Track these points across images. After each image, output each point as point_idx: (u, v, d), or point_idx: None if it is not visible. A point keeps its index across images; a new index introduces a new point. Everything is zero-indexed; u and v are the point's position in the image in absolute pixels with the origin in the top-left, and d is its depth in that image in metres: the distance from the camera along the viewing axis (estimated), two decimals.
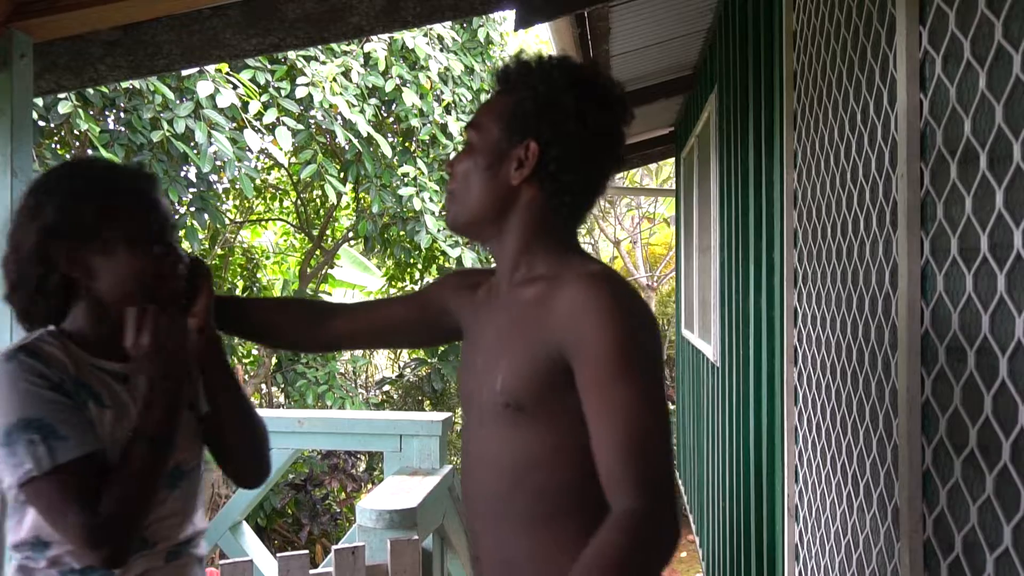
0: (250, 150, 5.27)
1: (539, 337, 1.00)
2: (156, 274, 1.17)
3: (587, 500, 0.98)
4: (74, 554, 1.11)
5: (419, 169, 6.10)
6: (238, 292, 7.38)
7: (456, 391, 8.02)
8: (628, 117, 1.09)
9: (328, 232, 7.88)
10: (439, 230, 6.12)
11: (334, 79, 5.27)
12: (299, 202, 7.58)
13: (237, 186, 5.47)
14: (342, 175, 5.81)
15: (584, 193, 1.09)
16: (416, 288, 8.34)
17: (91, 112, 4.50)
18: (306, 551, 2.01)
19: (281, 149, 5.78)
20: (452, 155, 1.21)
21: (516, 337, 1.03)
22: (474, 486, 1.10)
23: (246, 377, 6.99)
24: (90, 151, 4.54)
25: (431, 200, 6.01)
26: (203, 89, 4.53)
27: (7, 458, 1.05)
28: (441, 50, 6.17)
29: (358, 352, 9.61)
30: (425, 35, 6.02)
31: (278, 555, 2.01)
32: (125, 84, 4.45)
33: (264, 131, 5.45)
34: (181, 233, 4.81)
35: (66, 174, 1.20)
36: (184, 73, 4.65)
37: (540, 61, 1.09)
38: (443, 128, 6.18)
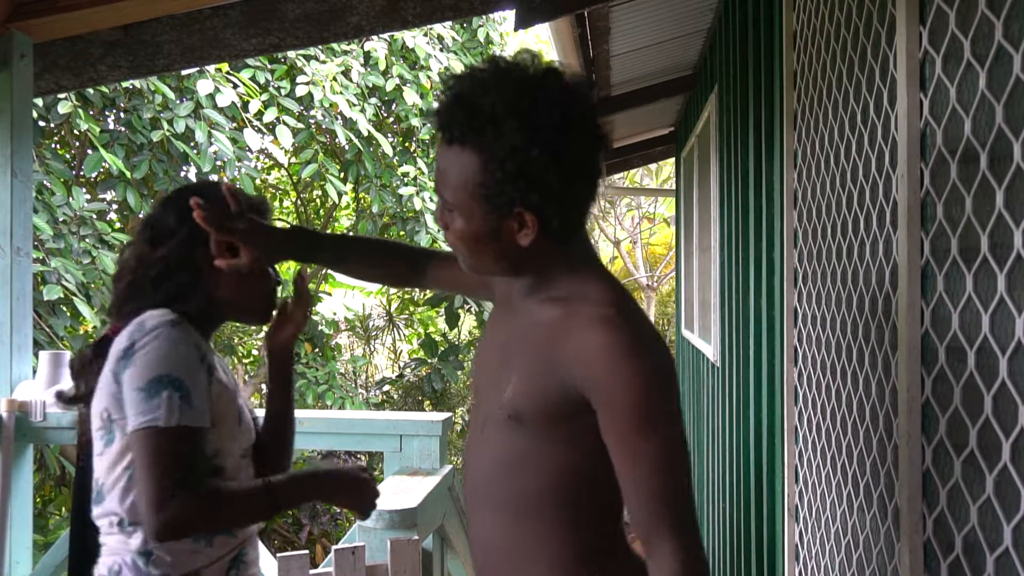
0: (250, 150, 5.27)
1: (553, 367, 1.01)
2: (269, 294, 1.42)
3: (565, 501, 1.06)
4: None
5: (419, 169, 6.10)
6: None
7: (456, 392, 8.02)
8: (599, 114, 1.02)
9: (328, 232, 7.88)
10: (439, 230, 6.11)
11: (334, 78, 5.28)
12: (299, 202, 7.59)
13: (237, 186, 5.47)
14: (342, 175, 5.81)
15: (586, 207, 1.06)
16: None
17: (91, 112, 4.50)
18: (306, 551, 2.01)
19: (281, 148, 5.78)
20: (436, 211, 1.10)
21: (529, 357, 1.05)
22: (470, 476, 1.17)
23: (246, 377, 6.99)
24: (90, 151, 4.54)
25: (431, 200, 6.01)
26: (203, 88, 4.54)
27: (142, 402, 1.16)
28: (441, 50, 6.17)
29: (358, 352, 9.61)
30: (425, 35, 6.02)
31: (278, 555, 2.01)
32: (125, 84, 4.45)
33: (264, 130, 5.46)
34: None
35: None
36: (184, 72, 4.65)
37: (483, 98, 0.94)
38: None
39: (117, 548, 1.23)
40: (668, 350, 1.03)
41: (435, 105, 1.01)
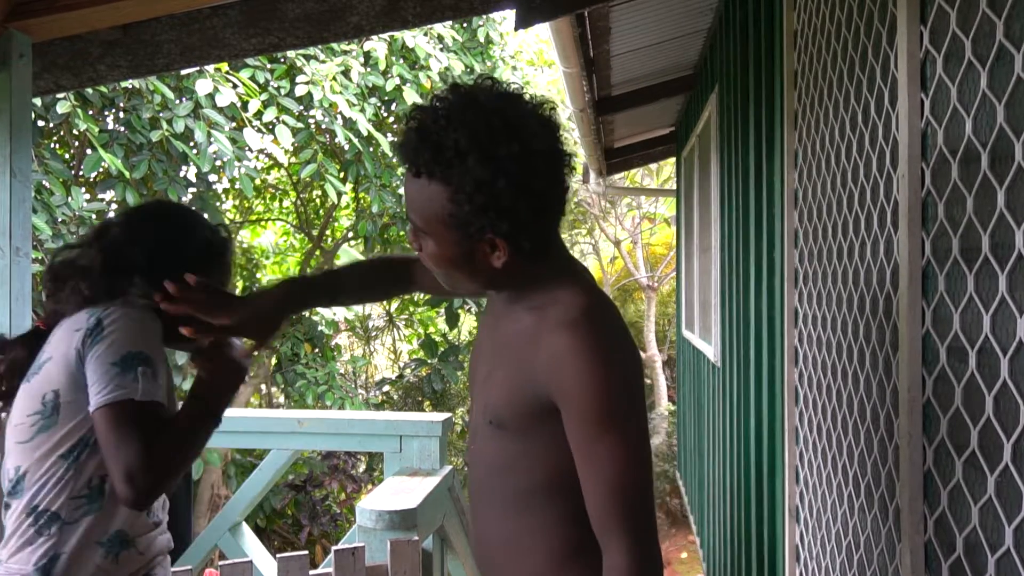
0: (250, 149, 5.26)
1: (526, 374, 1.06)
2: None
3: (555, 497, 1.10)
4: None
5: None
6: (236, 293, 7.37)
7: (455, 392, 8.02)
8: (558, 131, 1.04)
9: (328, 232, 7.88)
10: None
11: (334, 78, 5.27)
12: (299, 202, 7.59)
13: (237, 186, 5.47)
14: (342, 175, 5.80)
15: (555, 221, 1.08)
16: None
17: (90, 112, 4.49)
18: (306, 552, 2.00)
19: (281, 148, 5.77)
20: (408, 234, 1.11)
21: (506, 365, 1.10)
22: (471, 479, 1.23)
23: (246, 378, 6.97)
24: (89, 151, 4.54)
25: None
26: (202, 88, 4.53)
27: (116, 376, 1.17)
28: (441, 50, 6.17)
29: (358, 352, 9.61)
30: (425, 34, 6.02)
31: (278, 556, 2.01)
32: (124, 84, 4.45)
33: (264, 130, 5.45)
34: None
35: (163, 224, 1.36)
36: (183, 72, 4.65)
37: (446, 133, 0.96)
38: None
39: (14, 564, 1.19)
40: (636, 352, 1.07)
41: (400, 139, 1.03)
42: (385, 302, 9.16)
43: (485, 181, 0.96)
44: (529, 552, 1.12)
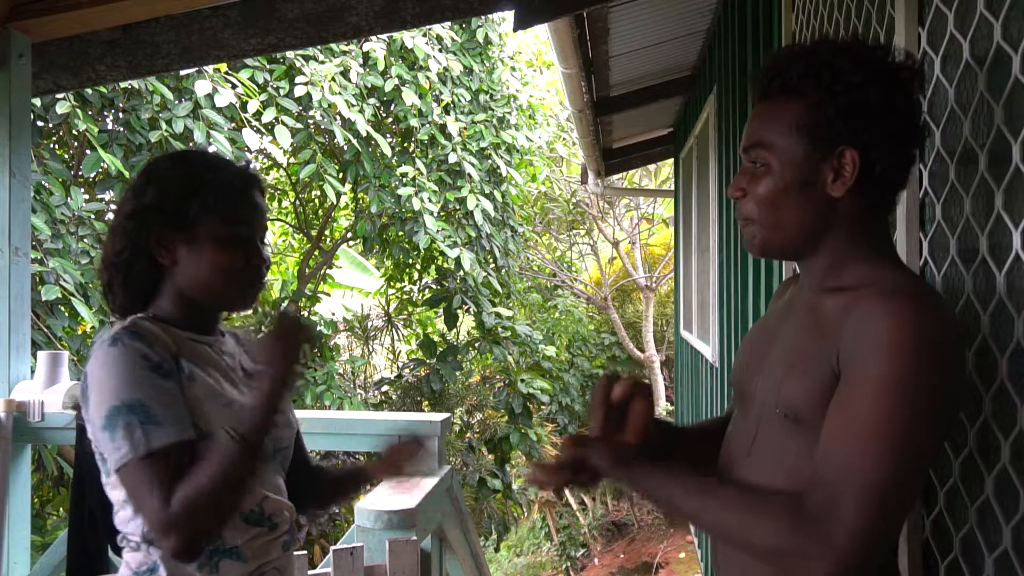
0: (249, 150, 5.26)
1: (829, 357, 0.92)
2: (236, 275, 1.22)
3: None
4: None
5: (418, 169, 6.10)
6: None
7: (454, 392, 8.00)
8: (921, 84, 0.99)
9: (327, 232, 7.88)
10: (438, 230, 6.11)
11: (333, 79, 5.27)
12: (298, 202, 7.59)
13: None
14: (341, 175, 5.80)
15: (902, 185, 1.00)
16: (415, 288, 8.33)
17: (89, 112, 4.49)
18: (305, 552, 2.00)
19: (280, 148, 5.76)
20: (738, 178, 1.05)
21: (810, 348, 0.96)
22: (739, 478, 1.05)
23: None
24: (88, 151, 4.54)
25: (430, 200, 6.00)
26: (201, 88, 4.53)
27: (108, 441, 1.09)
28: (440, 50, 6.17)
29: (356, 352, 9.60)
30: (424, 35, 6.02)
31: None
32: (123, 84, 4.45)
33: (263, 130, 5.45)
34: None
35: (177, 161, 1.26)
36: (182, 73, 4.65)
37: (819, 49, 0.97)
38: (442, 128, 6.18)
39: (131, 561, 1.20)
40: (955, 345, 0.89)
41: (762, 68, 1.02)
42: (383, 301, 9.16)
43: (856, 86, 0.93)
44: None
